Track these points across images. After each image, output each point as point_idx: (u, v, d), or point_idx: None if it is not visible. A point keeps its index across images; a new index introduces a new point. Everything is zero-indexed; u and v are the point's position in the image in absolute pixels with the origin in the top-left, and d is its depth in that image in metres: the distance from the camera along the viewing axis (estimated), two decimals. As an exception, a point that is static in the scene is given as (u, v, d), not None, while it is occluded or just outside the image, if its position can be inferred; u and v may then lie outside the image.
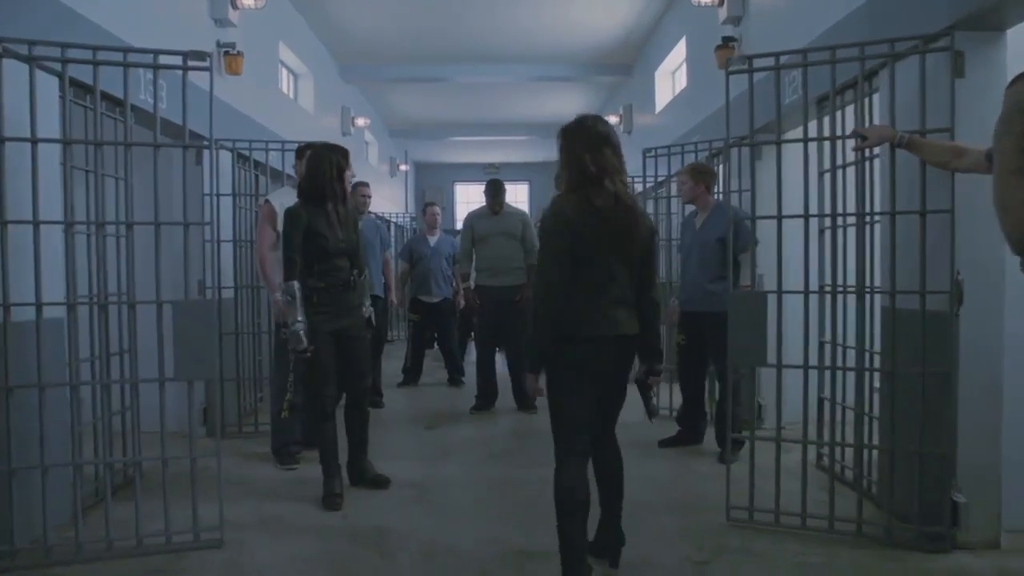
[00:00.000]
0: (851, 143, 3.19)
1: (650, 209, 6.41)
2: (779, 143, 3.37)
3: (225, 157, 5.24)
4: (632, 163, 5.96)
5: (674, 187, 6.28)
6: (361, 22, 8.60)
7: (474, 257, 6.16)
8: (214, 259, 5.00)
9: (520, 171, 19.46)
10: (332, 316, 3.69)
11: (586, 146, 2.63)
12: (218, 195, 5.05)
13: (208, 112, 3.40)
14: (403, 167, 16.24)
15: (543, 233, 2.68)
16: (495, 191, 6.02)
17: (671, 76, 8.90)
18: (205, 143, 3.35)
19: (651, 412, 2.90)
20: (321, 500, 3.76)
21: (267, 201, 4.42)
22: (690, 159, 5.77)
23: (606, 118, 9.88)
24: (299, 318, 3.47)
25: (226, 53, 5.51)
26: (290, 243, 3.52)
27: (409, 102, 13.13)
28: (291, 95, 8.48)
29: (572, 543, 2.58)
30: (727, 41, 5.72)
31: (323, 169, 3.62)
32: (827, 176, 3.39)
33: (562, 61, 10.20)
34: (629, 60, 10.00)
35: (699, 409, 4.80)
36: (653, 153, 5.79)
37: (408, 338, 7.56)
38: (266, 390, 5.44)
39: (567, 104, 13.13)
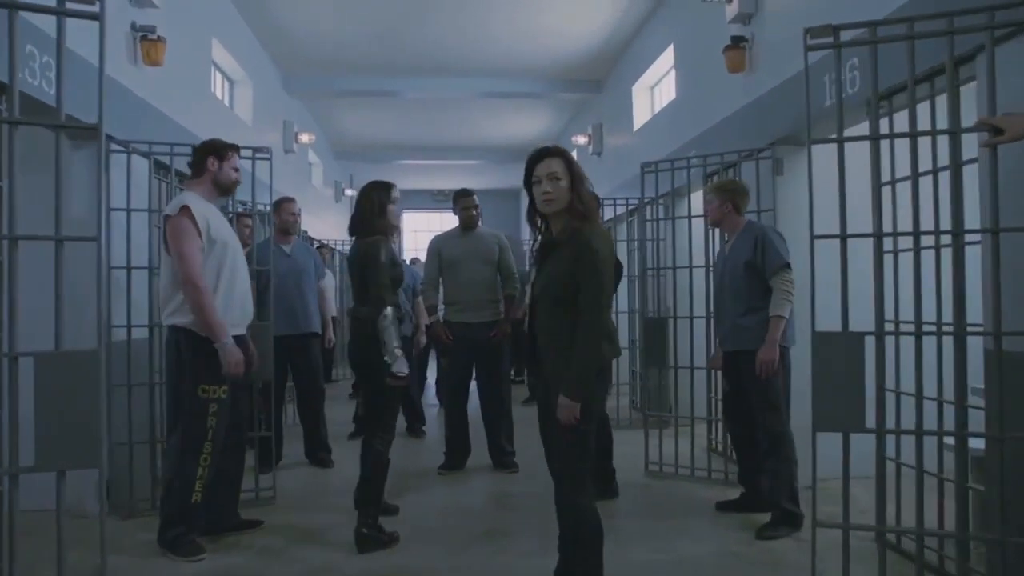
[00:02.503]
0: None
1: (648, 234, 5.63)
2: (876, 139, 2.58)
3: (140, 164, 4.21)
4: (603, 186, 5.16)
5: (660, 209, 5.54)
6: (307, 25, 7.67)
7: (441, 288, 5.24)
8: (137, 290, 3.99)
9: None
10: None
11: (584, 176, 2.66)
12: (130, 210, 4.06)
13: (123, 109, 2.44)
14: (349, 192, 15.21)
15: (601, 263, 2.50)
16: (465, 196, 5.12)
17: (650, 91, 8.23)
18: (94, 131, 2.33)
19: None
20: (368, 544, 3.53)
21: (186, 207, 3.30)
22: (697, 174, 5.03)
23: (573, 138, 9.23)
24: (398, 344, 3.42)
25: (143, 38, 4.50)
26: (384, 270, 3.52)
27: (356, 120, 12.18)
28: (226, 102, 7.45)
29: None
30: (737, 41, 5.02)
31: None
32: (897, 185, 2.67)
33: (526, 76, 9.44)
34: (599, 75, 9.32)
35: (758, 466, 3.93)
36: (653, 168, 5.00)
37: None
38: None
39: (526, 124, 12.41)
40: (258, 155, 4.26)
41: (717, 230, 4.79)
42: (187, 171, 4.29)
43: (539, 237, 2.75)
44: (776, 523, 3.68)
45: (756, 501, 3.98)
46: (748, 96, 5.02)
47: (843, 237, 2.54)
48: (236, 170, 3.58)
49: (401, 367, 3.41)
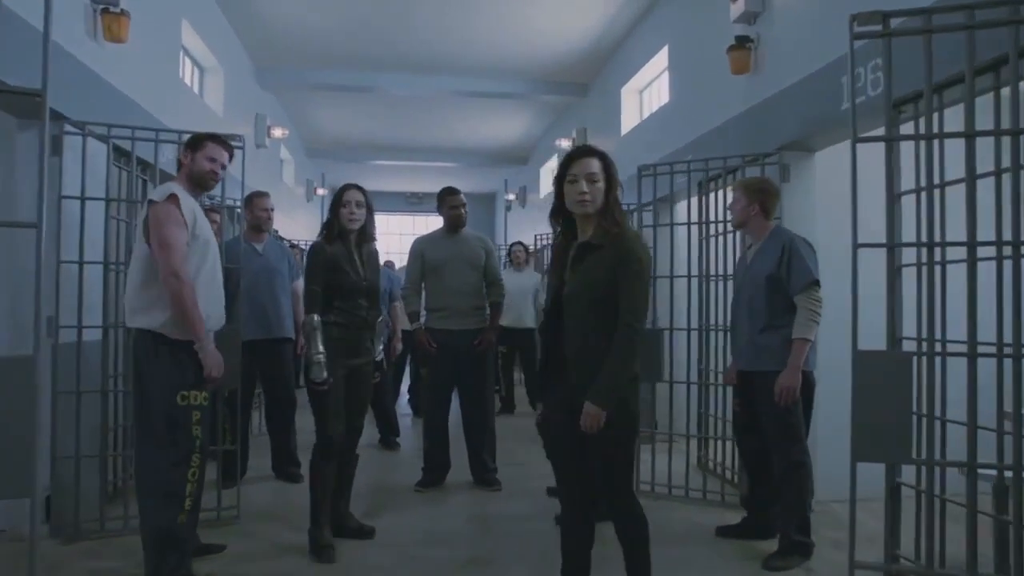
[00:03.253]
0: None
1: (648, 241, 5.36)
2: (929, 138, 2.34)
3: (98, 150, 3.82)
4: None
5: (646, 216, 5.29)
6: (284, 13, 7.30)
7: (423, 294, 4.91)
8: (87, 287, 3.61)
9: (446, 202, 18.22)
10: (346, 354, 3.56)
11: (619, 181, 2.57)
12: (84, 199, 3.67)
13: (80, 87, 2.10)
14: (320, 191, 14.80)
15: (644, 273, 2.45)
16: (452, 195, 4.79)
17: (638, 95, 8.00)
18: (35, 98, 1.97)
19: None
20: (309, 553, 3.46)
21: (174, 195, 2.95)
22: (697, 178, 4.78)
23: (557, 141, 8.97)
24: (320, 350, 3.42)
25: (105, 11, 4.11)
26: (313, 276, 3.53)
27: (331, 117, 11.79)
28: (195, 90, 7.04)
29: None
30: (742, 41, 4.79)
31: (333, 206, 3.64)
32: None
33: (509, 76, 9.16)
34: (586, 78, 9.08)
35: (768, 492, 3.66)
36: (651, 171, 4.74)
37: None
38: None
39: (506, 127, 12.15)
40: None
41: (707, 239, 4.57)
42: (150, 159, 3.95)
43: (559, 238, 2.60)
44: (785, 552, 3.43)
45: (759, 527, 3.73)
46: (751, 99, 4.80)
47: (890, 247, 2.29)
48: (212, 160, 3.15)
49: (316, 374, 3.41)
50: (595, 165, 2.46)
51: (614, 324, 2.39)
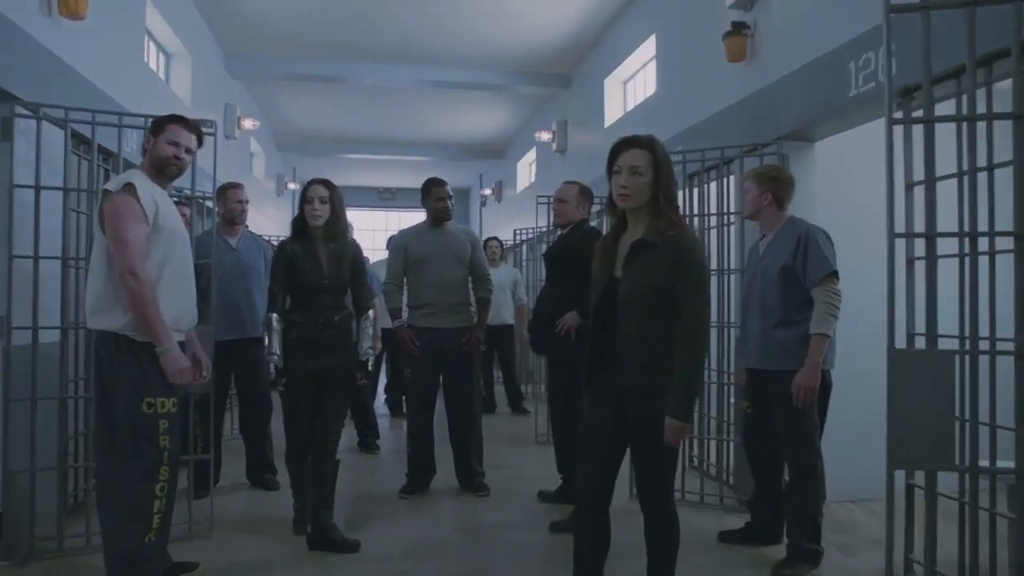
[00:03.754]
0: None
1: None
2: (971, 119, 2.17)
3: (55, 136, 3.52)
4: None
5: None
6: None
7: (405, 290, 4.66)
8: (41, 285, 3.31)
9: (418, 197, 17.90)
10: (310, 354, 3.47)
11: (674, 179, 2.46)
12: (39, 187, 3.37)
13: (33, 67, 1.85)
14: (291, 186, 14.42)
15: (707, 274, 2.40)
16: (439, 187, 4.54)
17: (623, 86, 7.82)
18: None
19: None
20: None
21: (130, 184, 2.68)
22: (694, 169, 4.60)
23: (536, 134, 8.76)
24: (274, 351, 3.44)
25: (61, -16, 3.82)
26: (274, 275, 3.55)
27: (302, 108, 11.44)
28: (162, 77, 6.69)
29: None
30: (738, 28, 4.61)
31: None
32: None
33: (488, 66, 8.93)
34: (567, 69, 8.87)
35: (776, 496, 3.51)
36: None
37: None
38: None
39: (482, 120, 11.91)
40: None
41: (702, 232, 4.40)
42: (113, 147, 3.66)
43: (610, 232, 2.52)
44: (794, 560, 3.28)
45: (765, 532, 3.58)
46: (748, 88, 4.64)
47: (928, 236, 2.12)
48: (174, 144, 2.85)
49: (265, 374, 3.53)
50: (640, 157, 2.32)
51: (669, 323, 2.28)
